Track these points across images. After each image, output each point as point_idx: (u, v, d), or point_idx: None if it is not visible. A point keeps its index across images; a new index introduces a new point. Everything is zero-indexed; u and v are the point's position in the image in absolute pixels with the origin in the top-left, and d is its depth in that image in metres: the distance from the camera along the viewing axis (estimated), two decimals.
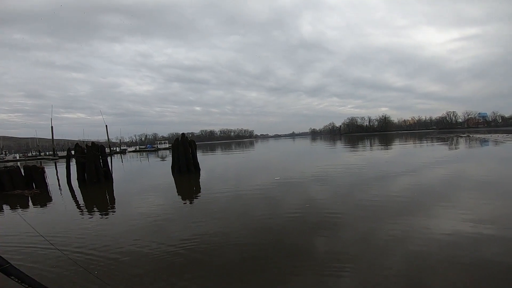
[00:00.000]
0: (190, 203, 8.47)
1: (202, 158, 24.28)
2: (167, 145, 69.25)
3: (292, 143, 61.73)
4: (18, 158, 55.04)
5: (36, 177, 12.09)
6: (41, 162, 37.99)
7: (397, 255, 3.90)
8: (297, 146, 48.09)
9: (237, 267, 3.85)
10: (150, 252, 4.44)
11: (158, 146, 72.16)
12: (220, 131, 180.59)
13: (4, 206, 8.96)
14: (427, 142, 33.20)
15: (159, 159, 33.25)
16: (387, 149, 26.86)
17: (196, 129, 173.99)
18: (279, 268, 3.74)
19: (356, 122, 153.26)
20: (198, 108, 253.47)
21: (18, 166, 13.44)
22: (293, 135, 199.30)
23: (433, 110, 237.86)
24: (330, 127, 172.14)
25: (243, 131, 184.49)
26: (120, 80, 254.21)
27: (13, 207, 8.80)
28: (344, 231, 4.98)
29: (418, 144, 31.05)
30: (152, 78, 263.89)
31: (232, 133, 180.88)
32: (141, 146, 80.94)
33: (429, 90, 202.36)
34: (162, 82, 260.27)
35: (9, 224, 7.07)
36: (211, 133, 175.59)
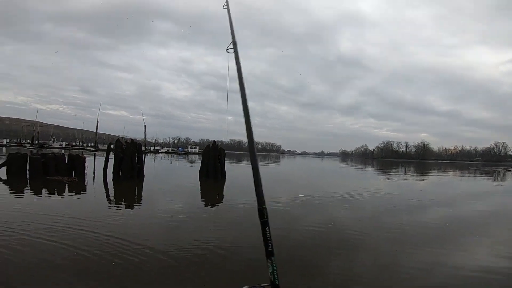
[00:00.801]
0: (212, 208, 8.60)
1: (229, 167, 24.61)
2: (197, 150, 71.53)
3: (320, 162, 60.41)
4: (63, 146, 60.19)
5: (77, 166, 13.07)
6: (82, 152, 41.14)
7: (418, 287, 3.66)
8: (325, 166, 46.95)
9: (245, 276, 3.81)
10: (165, 250, 4.48)
11: (189, 150, 74.77)
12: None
13: (43, 190, 9.66)
14: (468, 174, 30.65)
15: (188, 163, 34.33)
16: (423, 178, 25.22)
17: (225, 138, 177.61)
18: (289, 284, 3.64)
19: (392, 146, 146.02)
20: (230, 118, 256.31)
21: (63, 153, 14.67)
22: (322, 154, 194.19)
23: (480, 140, 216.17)
24: (363, 149, 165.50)
25: (270, 145, 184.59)
26: (162, 84, 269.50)
27: (51, 191, 9.52)
28: (364, 256, 4.72)
29: (458, 176, 28.75)
30: (190, 84, 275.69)
31: (260, 146, 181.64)
32: (173, 148, 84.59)
33: (477, 116, 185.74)
34: (199, 89, 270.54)
35: (46, 206, 7.65)
36: (240, 143, 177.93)
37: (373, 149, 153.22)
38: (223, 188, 12.77)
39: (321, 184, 16.47)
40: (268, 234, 1.73)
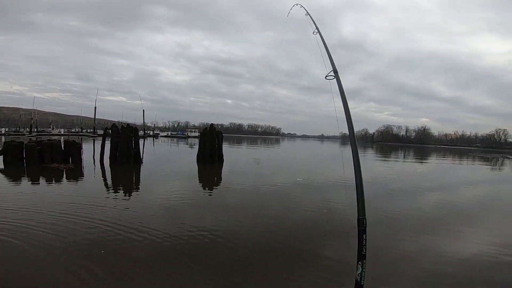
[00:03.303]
0: (209, 193, 8.58)
1: (228, 150, 24.59)
2: (196, 134, 71.31)
3: (320, 145, 60.41)
4: (62, 132, 59.93)
5: (73, 152, 12.92)
6: (81, 138, 40.96)
7: (407, 273, 3.68)
8: (325, 149, 46.95)
9: (239, 262, 3.83)
10: (159, 236, 4.49)
11: (189, 134, 74.72)
12: (248, 126, 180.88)
13: (41, 179, 9.31)
14: (467, 160, 30.72)
15: (188, 146, 34.28)
16: (421, 163, 25.27)
17: (225, 121, 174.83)
18: (279, 270, 3.64)
19: (392, 130, 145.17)
20: (229, 101, 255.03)
21: (59, 140, 14.49)
22: (322, 137, 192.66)
23: (481, 126, 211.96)
24: (363, 133, 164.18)
25: (270, 128, 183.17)
26: (159, 69, 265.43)
27: (48, 180, 9.26)
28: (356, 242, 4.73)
29: (457, 161, 28.83)
30: (189, 68, 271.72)
31: (260, 129, 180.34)
32: (173, 132, 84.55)
33: (480, 103, 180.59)
34: (198, 73, 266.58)
35: (41, 195, 7.60)
36: (240, 126, 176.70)
37: (373, 133, 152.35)
38: (220, 172, 12.76)
39: (318, 169, 16.51)
40: (364, 240, 1.90)
